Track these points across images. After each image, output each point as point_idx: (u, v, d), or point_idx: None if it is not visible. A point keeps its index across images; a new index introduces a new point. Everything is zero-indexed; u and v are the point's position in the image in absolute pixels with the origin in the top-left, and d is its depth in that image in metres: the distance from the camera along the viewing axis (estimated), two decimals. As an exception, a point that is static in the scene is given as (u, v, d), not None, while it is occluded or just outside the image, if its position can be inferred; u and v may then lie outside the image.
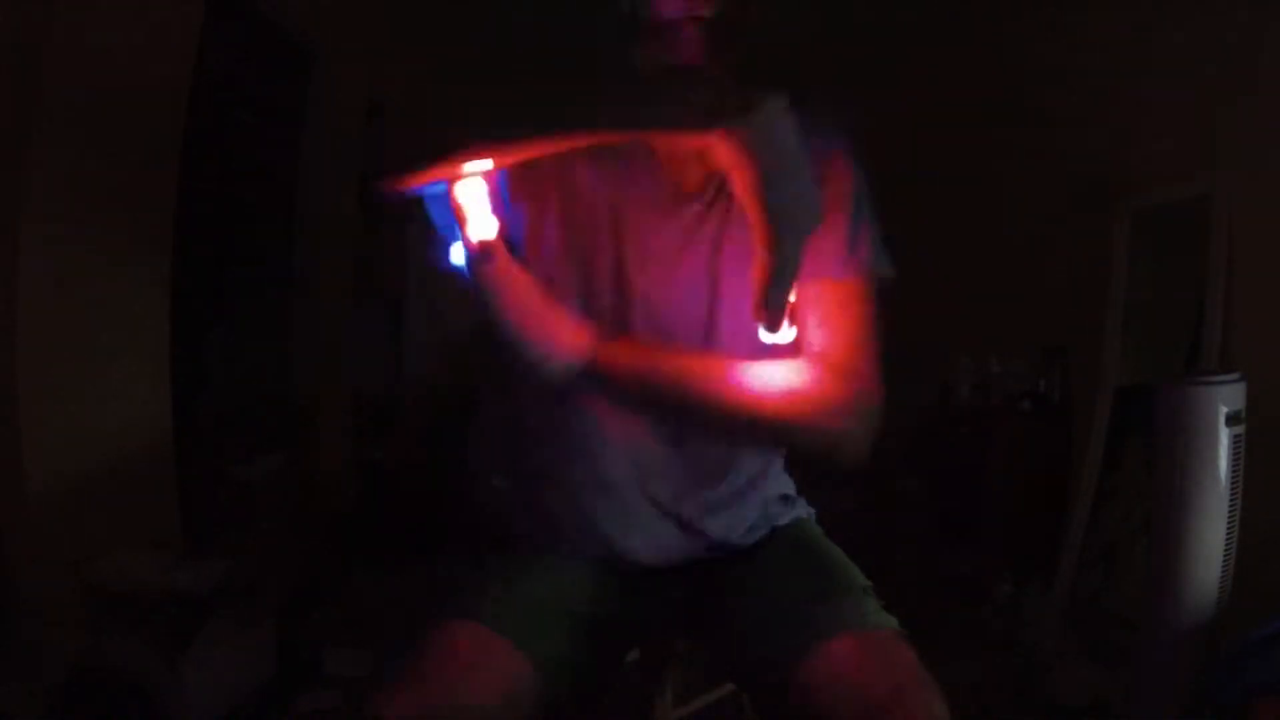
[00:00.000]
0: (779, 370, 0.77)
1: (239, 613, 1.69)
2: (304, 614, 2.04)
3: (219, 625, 1.63)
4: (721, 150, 0.66)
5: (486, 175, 0.71)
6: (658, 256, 0.83)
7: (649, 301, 0.82)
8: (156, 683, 1.52)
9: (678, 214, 0.84)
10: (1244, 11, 1.82)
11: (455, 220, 0.70)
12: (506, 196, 0.81)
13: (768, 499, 0.93)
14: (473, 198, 0.69)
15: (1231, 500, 1.54)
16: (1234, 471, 1.54)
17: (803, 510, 0.97)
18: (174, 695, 1.53)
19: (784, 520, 0.93)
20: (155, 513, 1.87)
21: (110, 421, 1.75)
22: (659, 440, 0.86)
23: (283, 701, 1.72)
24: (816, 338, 0.79)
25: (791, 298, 0.71)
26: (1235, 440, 1.54)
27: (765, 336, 0.71)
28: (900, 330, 3.07)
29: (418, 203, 0.74)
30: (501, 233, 0.72)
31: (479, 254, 0.70)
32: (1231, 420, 1.54)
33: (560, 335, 0.72)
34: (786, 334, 0.73)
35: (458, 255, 0.73)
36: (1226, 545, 1.54)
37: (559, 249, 0.83)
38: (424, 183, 0.70)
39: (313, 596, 2.19)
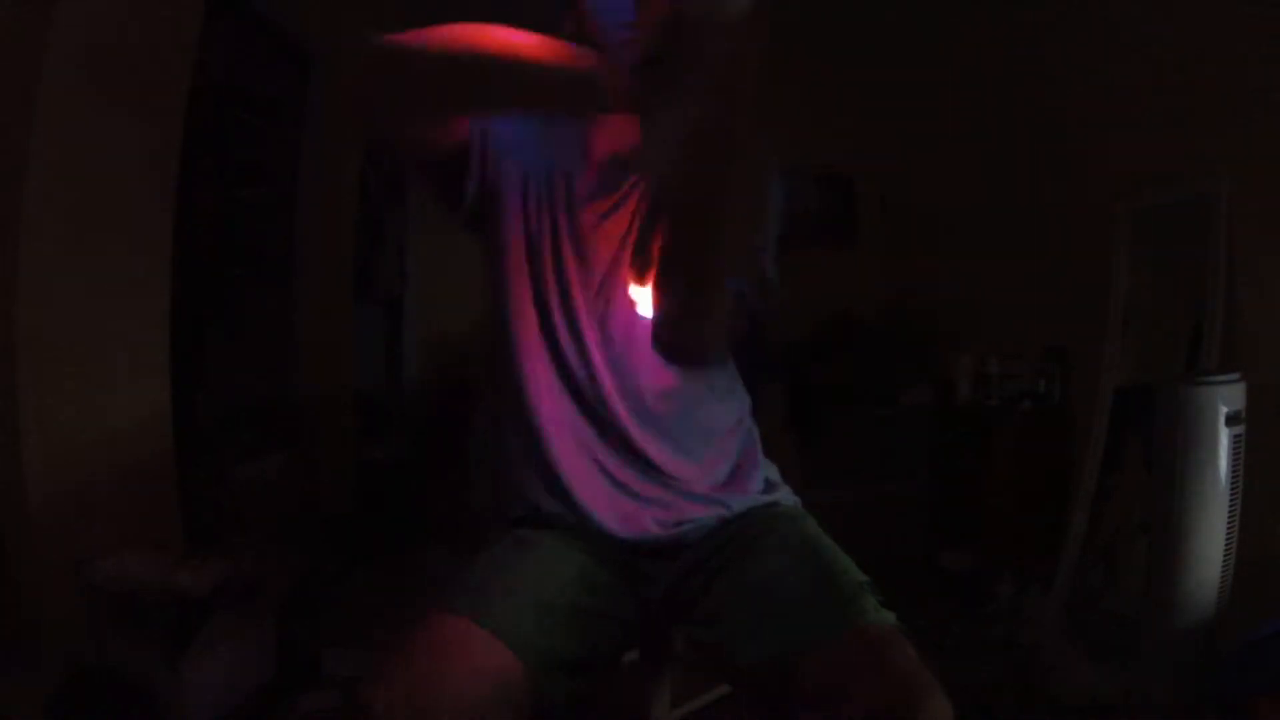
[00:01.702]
0: None
1: (239, 613, 1.69)
2: (304, 614, 2.04)
3: (219, 625, 1.63)
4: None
5: None
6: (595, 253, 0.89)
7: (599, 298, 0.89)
8: (156, 683, 1.52)
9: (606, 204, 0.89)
10: (1244, 11, 1.82)
11: None
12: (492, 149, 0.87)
13: (748, 480, 0.94)
14: None
15: (1231, 500, 1.54)
16: (1234, 471, 1.54)
17: (788, 496, 0.97)
18: (174, 695, 1.52)
19: (764, 501, 0.94)
20: (155, 513, 1.86)
21: (110, 421, 1.75)
22: (640, 416, 0.89)
23: (283, 701, 1.72)
24: None
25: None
26: (1235, 440, 1.54)
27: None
28: (900, 330, 3.06)
29: None
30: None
31: None
32: (1231, 420, 1.54)
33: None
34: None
35: None
36: (1226, 545, 1.54)
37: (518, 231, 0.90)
38: None
39: (313, 596, 2.19)
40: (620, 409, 0.88)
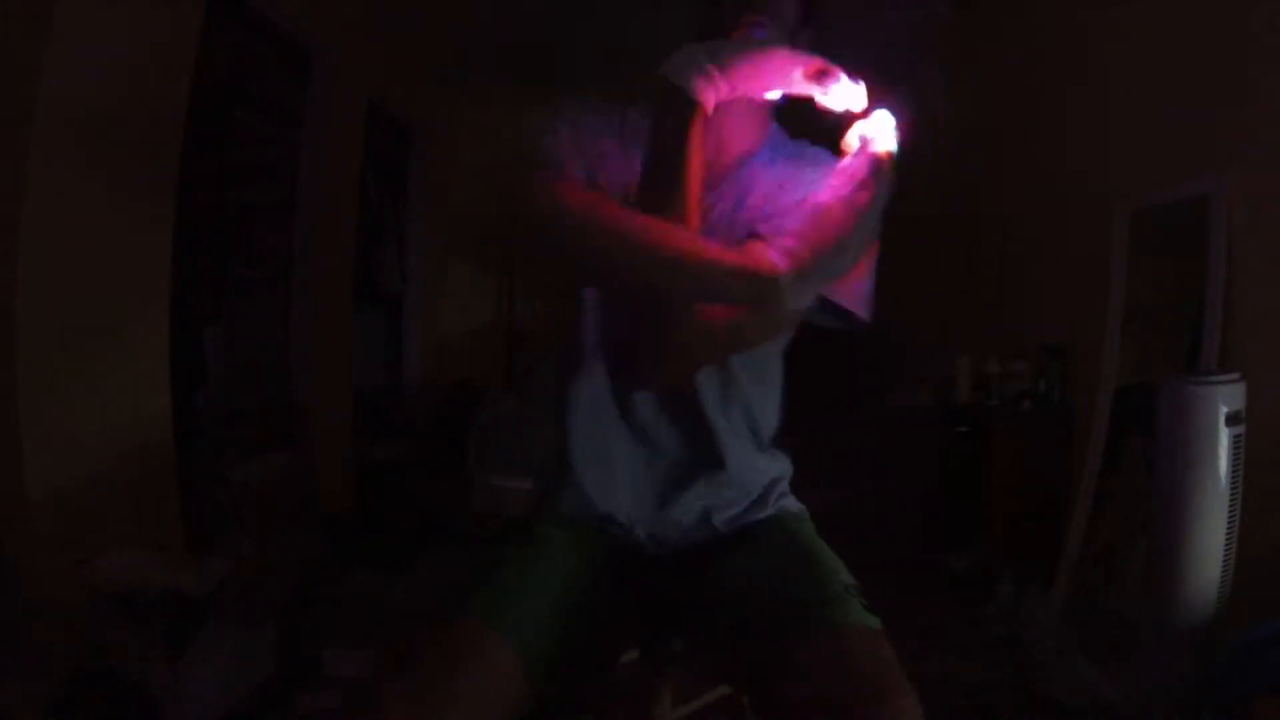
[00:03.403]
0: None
1: (239, 613, 1.69)
2: (304, 614, 2.04)
3: (219, 625, 1.63)
4: None
5: None
6: None
7: None
8: (156, 683, 1.52)
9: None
10: (1243, 11, 1.82)
11: None
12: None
13: (761, 489, 0.94)
14: None
15: (1231, 500, 1.54)
16: (1234, 471, 1.54)
17: (792, 503, 0.97)
18: (174, 695, 1.53)
19: (770, 511, 0.94)
20: (155, 513, 1.87)
21: (110, 421, 1.75)
22: (663, 426, 0.89)
23: (283, 701, 1.72)
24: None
25: None
26: (1235, 440, 1.54)
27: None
28: (901, 330, 3.06)
29: None
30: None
31: None
32: (1231, 420, 1.54)
33: None
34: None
35: None
36: (1226, 545, 1.54)
37: None
38: None
39: (313, 596, 2.19)
40: (667, 417, 0.89)
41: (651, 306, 0.81)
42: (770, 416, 0.96)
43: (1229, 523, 1.54)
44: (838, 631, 0.73)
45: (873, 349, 3.32)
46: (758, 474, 0.94)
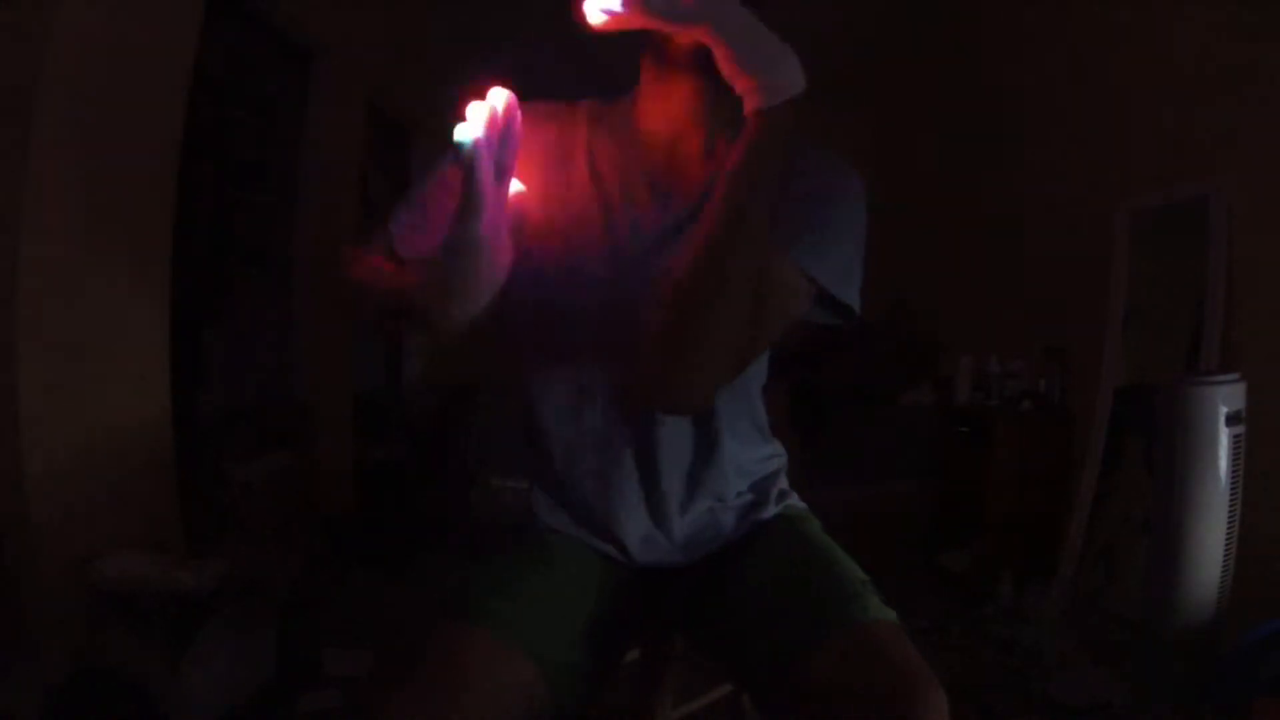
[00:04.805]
0: None
1: (239, 613, 1.69)
2: (304, 614, 2.04)
3: (219, 625, 1.63)
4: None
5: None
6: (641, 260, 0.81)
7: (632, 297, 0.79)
8: (156, 683, 1.52)
9: (666, 217, 0.82)
10: (1243, 12, 1.82)
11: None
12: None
13: (763, 480, 0.94)
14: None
15: (1231, 500, 1.54)
16: (1234, 471, 1.54)
17: (796, 503, 0.97)
18: (174, 695, 1.53)
19: (775, 509, 0.94)
20: (155, 513, 1.87)
21: (110, 421, 1.75)
22: (666, 435, 0.87)
23: (283, 701, 1.72)
24: None
25: None
26: (1235, 440, 1.54)
27: None
28: (902, 330, 3.06)
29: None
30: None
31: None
32: (1231, 420, 1.54)
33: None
34: None
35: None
36: (1226, 545, 1.54)
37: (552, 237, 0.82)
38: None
39: (313, 596, 2.19)
40: (662, 434, 0.86)
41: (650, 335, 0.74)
42: (761, 402, 0.96)
43: (1229, 523, 1.54)
44: (862, 626, 0.73)
45: (898, 347, 3.32)
46: (759, 465, 0.94)
